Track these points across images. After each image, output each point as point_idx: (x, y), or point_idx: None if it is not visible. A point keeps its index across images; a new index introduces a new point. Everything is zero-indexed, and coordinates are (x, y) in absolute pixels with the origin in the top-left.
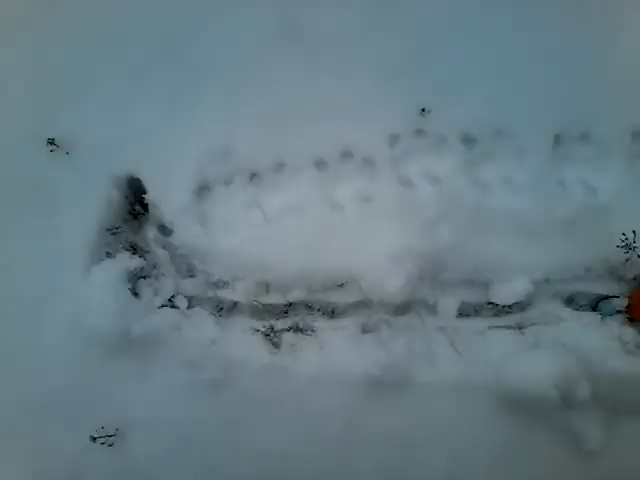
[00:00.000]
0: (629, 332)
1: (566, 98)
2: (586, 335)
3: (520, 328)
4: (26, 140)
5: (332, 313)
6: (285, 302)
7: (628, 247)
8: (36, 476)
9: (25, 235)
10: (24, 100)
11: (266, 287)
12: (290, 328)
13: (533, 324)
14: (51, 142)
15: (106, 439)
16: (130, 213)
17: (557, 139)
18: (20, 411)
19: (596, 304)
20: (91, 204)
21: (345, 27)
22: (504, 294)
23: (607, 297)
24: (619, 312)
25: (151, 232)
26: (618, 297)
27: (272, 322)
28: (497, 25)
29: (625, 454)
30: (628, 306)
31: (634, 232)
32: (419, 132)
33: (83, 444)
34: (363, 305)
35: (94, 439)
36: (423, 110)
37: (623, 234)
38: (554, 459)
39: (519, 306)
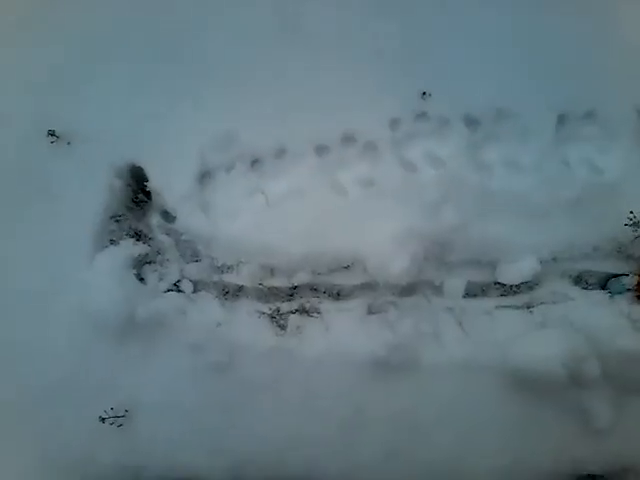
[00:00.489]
0: (638, 310)
1: (570, 78)
2: (595, 314)
3: (528, 307)
4: (27, 132)
5: (338, 295)
6: (290, 285)
7: (636, 225)
8: (47, 456)
9: (30, 225)
10: (24, 92)
11: (271, 271)
12: (296, 310)
13: (541, 303)
14: (52, 133)
15: (115, 420)
16: (133, 201)
17: (561, 119)
18: (30, 395)
19: (605, 283)
20: (94, 193)
21: (346, 12)
22: (511, 274)
23: (616, 275)
24: (628, 290)
25: (154, 219)
26: (627, 275)
27: (278, 305)
28: (498, 7)
29: (634, 432)
30: (637, 284)
31: None
32: (421, 115)
33: (92, 425)
34: (369, 287)
35: (103, 420)
36: (424, 94)
37: (631, 212)
38: (563, 438)
39: (527, 286)
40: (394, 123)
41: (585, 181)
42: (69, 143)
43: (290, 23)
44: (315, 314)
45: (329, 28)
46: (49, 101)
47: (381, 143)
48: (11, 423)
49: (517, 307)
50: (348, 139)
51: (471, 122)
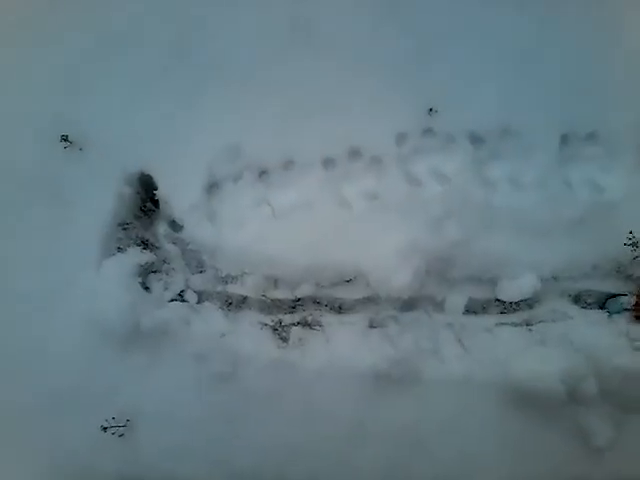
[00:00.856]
0: (636, 329)
1: (573, 97)
2: (593, 333)
3: (527, 325)
4: (41, 137)
5: (340, 308)
6: (293, 297)
7: (635, 245)
8: (49, 464)
9: (39, 230)
10: (39, 98)
11: (274, 282)
12: (298, 323)
13: (540, 321)
14: (65, 139)
15: (117, 429)
16: (141, 209)
17: (564, 139)
18: (34, 402)
19: (604, 302)
20: (103, 200)
21: (354, 29)
22: (511, 291)
23: (614, 295)
24: (626, 310)
25: (162, 228)
26: (626, 295)
27: (280, 317)
28: (504, 27)
29: (633, 450)
30: (636, 304)
31: None
32: (427, 131)
33: (94, 434)
34: (370, 301)
35: (105, 429)
36: (430, 110)
37: (630, 232)
38: (562, 455)
39: (526, 303)
40: (400, 138)
41: (587, 200)
42: (81, 149)
43: (300, 37)
44: (317, 327)
45: (338, 44)
46: (63, 107)
47: (387, 158)
48: (15, 430)
49: (517, 325)
50: (355, 153)
51: (476, 139)
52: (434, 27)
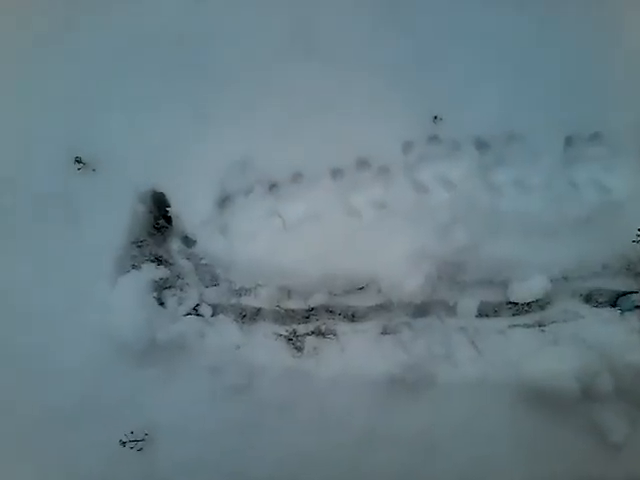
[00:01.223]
0: None
1: (576, 100)
2: (606, 331)
3: (540, 326)
4: (55, 159)
5: (353, 317)
6: (307, 307)
7: None
8: (66, 478)
9: (55, 248)
10: (51, 119)
11: (288, 293)
12: (312, 332)
13: (553, 322)
14: (78, 160)
15: (135, 444)
16: (154, 227)
17: (568, 141)
18: (51, 416)
19: (615, 300)
20: (117, 218)
21: (357, 39)
22: (522, 293)
23: (625, 293)
24: (638, 307)
25: (175, 244)
26: (637, 292)
27: (294, 327)
28: (504, 29)
29: None
30: None
31: None
32: (433, 139)
33: (113, 448)
34: (383, 308)
35: (124, 443)
36: (435, 117)
37: (639, 229)
38: (578, 454)
39: (538, 305)
40: (407, 147)
41: (593, 200)
42: (94, 170)
43: (304, 50)
44: (331, 335)
45: (343, 53)
46: (76, 128)
47: (394, 167)
48: (30, 445)
49: (529, 326)
50: (362, 163)
51: (481, 145)
52: (435, 33)
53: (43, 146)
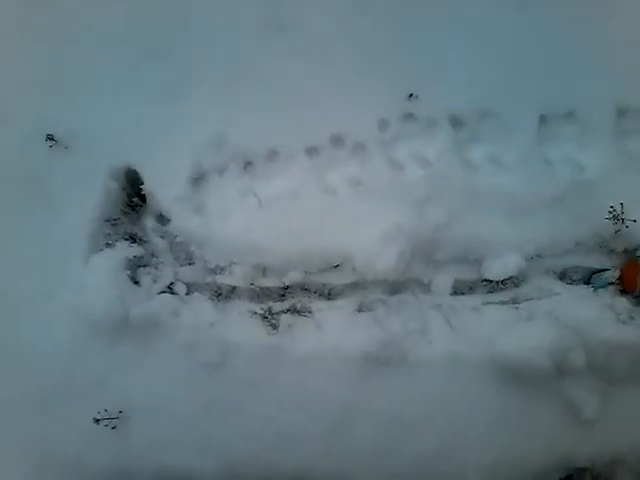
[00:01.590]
0: (622, 303)
1: (550, 78)
2: (579, 307)
3: (514, 303)
4: (26, 136)
5: (328, 294)
6: (282, 285)
7: (616, 218)
8: (41, 459)
9: (27, 227)
10: (23, 97)
11: (263, 271)
12: (287, 310)
13: (527, 299)
14: (50, 138)
15: (109, 422)
16: (128, 205)
17: (543, 118)
18: (24, 396)
19: (589, 277)
20: (90, 196)
21: (330, 16)
22: (496, 270)
23: (599, 270)
24: (611, 284)
25: (149, 222)
26: (610, 269)
27: (270, 304)
28: (480, 8)
29: (621, 423)
30: (620, 278)
31: (622, 204)
32: (408, 116)
33: (87, 427)
34: (358, 286)
35: (97, 421)
36: (411, 95)
37: (611, 206)
38: (552, 430)
39: (513, 282)
40: (382, 124)
41: (567, 178)
42: (67, 147)
43: (277, 25)
44: (307, 313)
45: (316, 30)
46: (48, 105)
47: (369, 144)
48: (5, 424)
49: (504, 303)
50: (338, 141)
51: (456, 122)
52: (409, 13)
53: (14, 124)
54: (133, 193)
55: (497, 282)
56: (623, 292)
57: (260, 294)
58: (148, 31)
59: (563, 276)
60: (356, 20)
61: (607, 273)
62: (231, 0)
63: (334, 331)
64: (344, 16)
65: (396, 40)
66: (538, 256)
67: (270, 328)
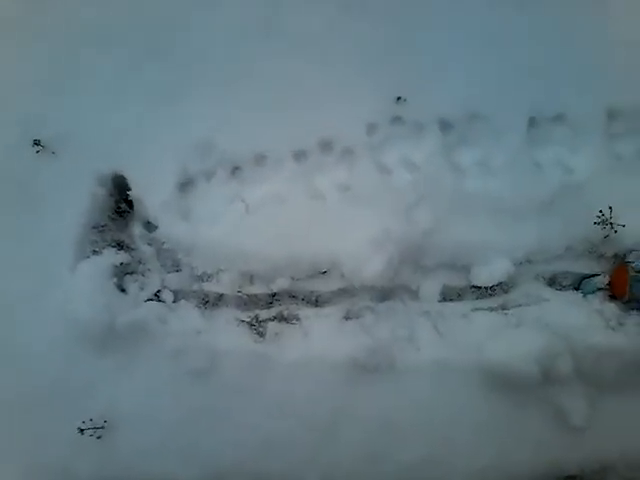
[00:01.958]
0: (611, 308)
1: (539, 81)
2: (569, 313)
3: (503, 309)
4: (13, 142)
5: (316, 302)
6: (269, 292)
7: (605, 223)
8: (26, 468)
9: (13, 233)
10: (10, 102)
11: (250, 278)
12: (274, 317)
13: (516, 305)
14: (37, 143)
15: (94, 431)
16: (116, 211)
17: (532, 121)
18: (9, 403)
19: (578, 283)
20: (78, 202)
21: (321, 22)
22: (485, 276)
23: (588, 276)
24: (600, 290)
25: (137, 229)
26: (599, 275)
27: (257, 312)
28: (469, 13)
29: (610, 430)
30: (609, 283)
31: (610, 208)
32: (396, 120)
33: (72, 436)
34: (346, 292)
35: (82, 431)
36: (399, 98)
37: (600, 211)
38: (540, 437)
39: (501, 288)
40: (370, 128)
41: (556, 181)
42: (54, 152)
43: (267, 31)
44: (294, 321)
45: (305, 36)
46: (35, 111)
47: (358, 148)
48: None
49: (493, 309)
50: (326, 145)
51: (445, 126)
52: (399, 15)
53: (0, 129)
54: (120, 199)
55: (486, 288)
56: (612, 298)
57: (247, 301)
58: (136, 39)
59: (552, 282)
60: (347, 25)
61: (597, 279)
62: (224, 4)
63: (322, 338)
64: (334, 21)
65: (384, 44)
66: (527, 261)
67: (257, 336)
